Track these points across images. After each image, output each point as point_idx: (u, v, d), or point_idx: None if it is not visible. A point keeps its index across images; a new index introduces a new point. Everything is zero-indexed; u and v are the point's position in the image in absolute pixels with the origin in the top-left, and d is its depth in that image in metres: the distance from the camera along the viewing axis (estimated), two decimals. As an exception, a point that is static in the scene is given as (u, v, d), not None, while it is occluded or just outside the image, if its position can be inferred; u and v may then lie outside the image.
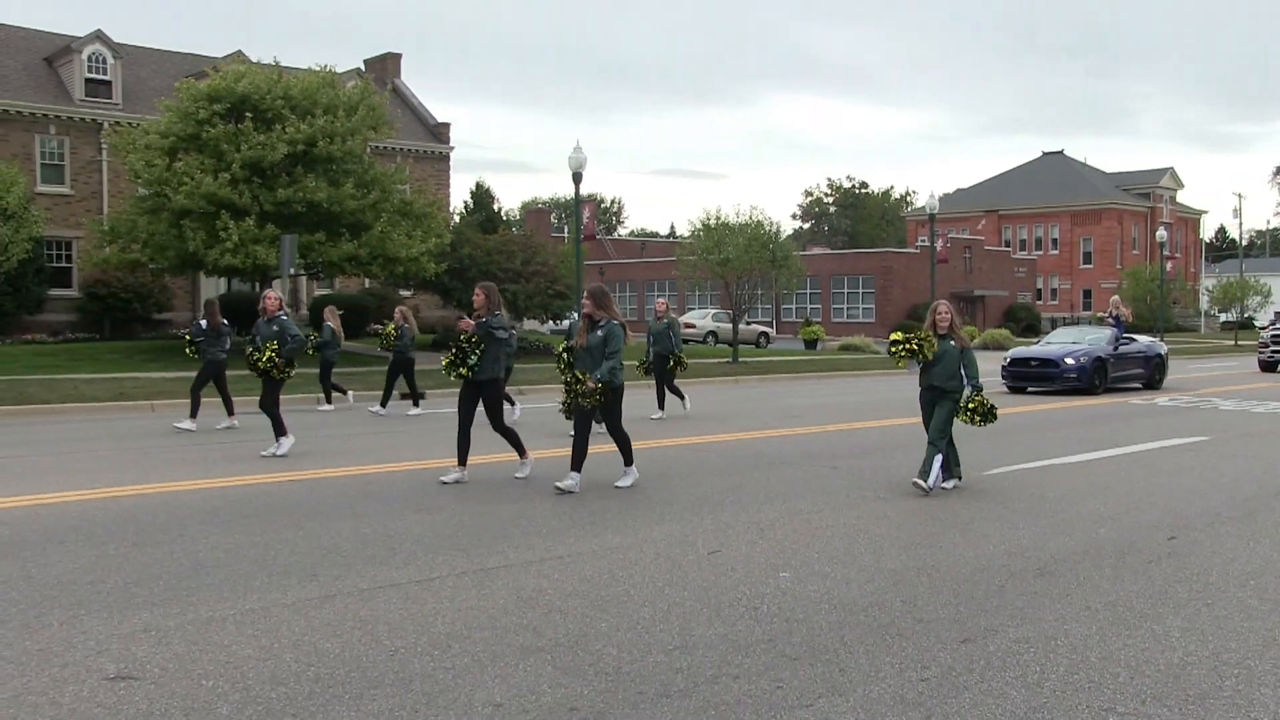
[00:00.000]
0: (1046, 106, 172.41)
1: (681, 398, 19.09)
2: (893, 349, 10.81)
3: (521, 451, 11.48)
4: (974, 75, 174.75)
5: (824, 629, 6.02)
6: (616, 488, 10.64)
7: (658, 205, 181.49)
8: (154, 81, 41.47)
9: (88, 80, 40.20)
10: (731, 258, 34.16)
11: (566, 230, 74.16)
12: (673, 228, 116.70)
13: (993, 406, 10.93)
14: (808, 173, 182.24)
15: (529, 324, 42.53)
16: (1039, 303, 78.21)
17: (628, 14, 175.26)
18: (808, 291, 61.59)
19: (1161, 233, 59.42)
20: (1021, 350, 26.65)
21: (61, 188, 39.32)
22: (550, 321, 43.79)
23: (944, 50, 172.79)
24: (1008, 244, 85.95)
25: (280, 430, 13.17)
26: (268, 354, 13.41)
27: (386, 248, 30.42)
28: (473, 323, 12.30)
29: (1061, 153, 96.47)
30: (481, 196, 51.85)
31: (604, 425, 11.15)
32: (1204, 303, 79.48)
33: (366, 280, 38.71)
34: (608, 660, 5.45)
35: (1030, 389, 24.71)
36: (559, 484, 10.38)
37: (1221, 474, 12.16)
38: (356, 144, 30.78)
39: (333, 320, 20.70)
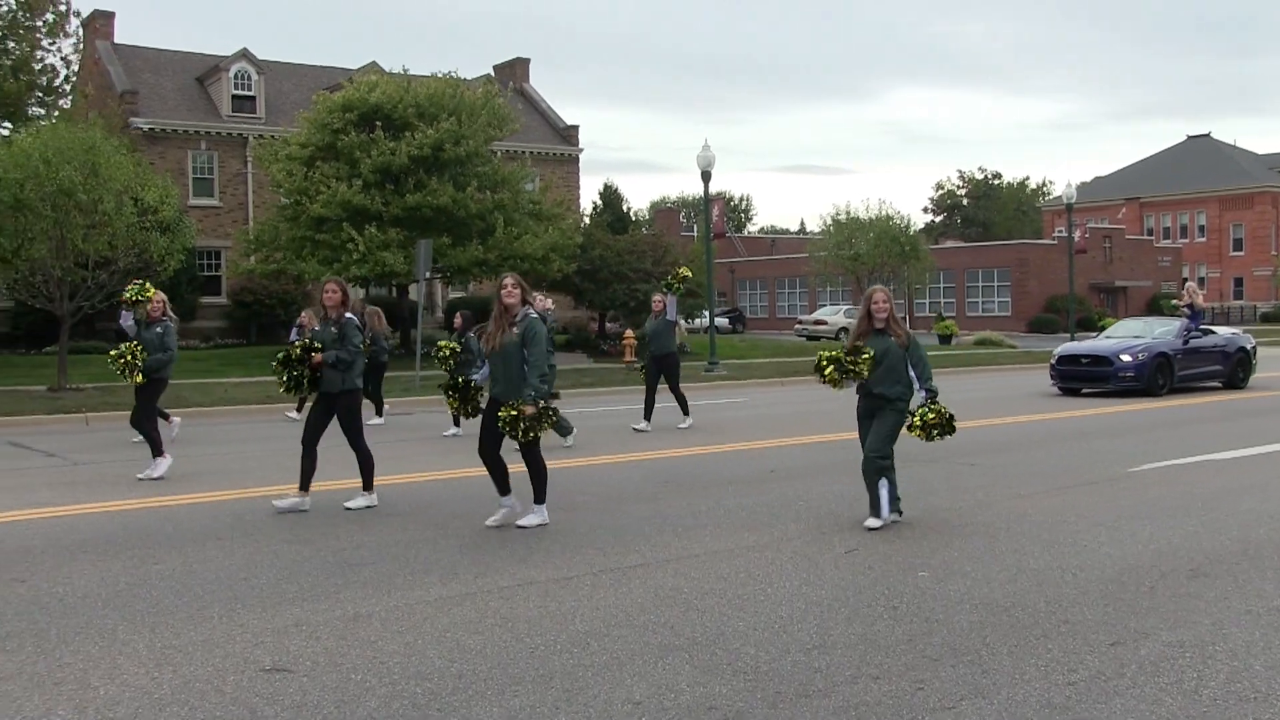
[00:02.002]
0: (1185, 89, 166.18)
1: (684, 408, 16.61)
2: (825, 371, 8.81)
3: (368, 483, 9.85)
4: (1105, 60, 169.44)
5: (965, 629, 5.92)
6: (519, 528, 8.70)
7: (786, 202, 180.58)
8: (294, 95, 42.85)
9: (234, 97, 41.85)
10: (862, 253, 33.81)
11: (695, 229, 74.26)
12: (802, 224, 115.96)
13: (951, 416, 8.93)
14: (937, 166, 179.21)
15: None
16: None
17: (752, 11, 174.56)
18: (940, 285, 60.51)
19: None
20: (1071, 346, 23.91)
21: (211, 200, 40.96)
22: (681, 320, 43.92)
23: (1072, 36, 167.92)
24: (1150, 232, 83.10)
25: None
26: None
27: (515, 249, 30.91)
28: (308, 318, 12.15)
29: (1208, 135, 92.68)
30: (610, 197, 52.15)
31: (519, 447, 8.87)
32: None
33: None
34: (746, 659, 5.46)
35: (1085, 390, 22.08)
36: (491, 521, 8.83)
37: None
38: (480, 145, 31.35)
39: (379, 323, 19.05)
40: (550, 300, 14.40)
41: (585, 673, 5.28)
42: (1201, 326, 23.61)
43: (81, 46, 34.19)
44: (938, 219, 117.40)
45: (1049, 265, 59.65)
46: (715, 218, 31.67)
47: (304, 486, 9.60)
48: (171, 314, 12.34)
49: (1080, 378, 22.07)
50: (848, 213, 35.18)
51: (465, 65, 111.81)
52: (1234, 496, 9.97)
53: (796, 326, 53.83)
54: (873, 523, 8.61)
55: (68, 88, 31.10)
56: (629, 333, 30.96)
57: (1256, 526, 8.59)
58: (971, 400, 20.98)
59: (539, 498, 8.89)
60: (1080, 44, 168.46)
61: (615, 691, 5.02)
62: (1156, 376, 21.22)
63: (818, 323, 51.73)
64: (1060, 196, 50.46)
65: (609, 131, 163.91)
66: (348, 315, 9.79)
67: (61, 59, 29.56)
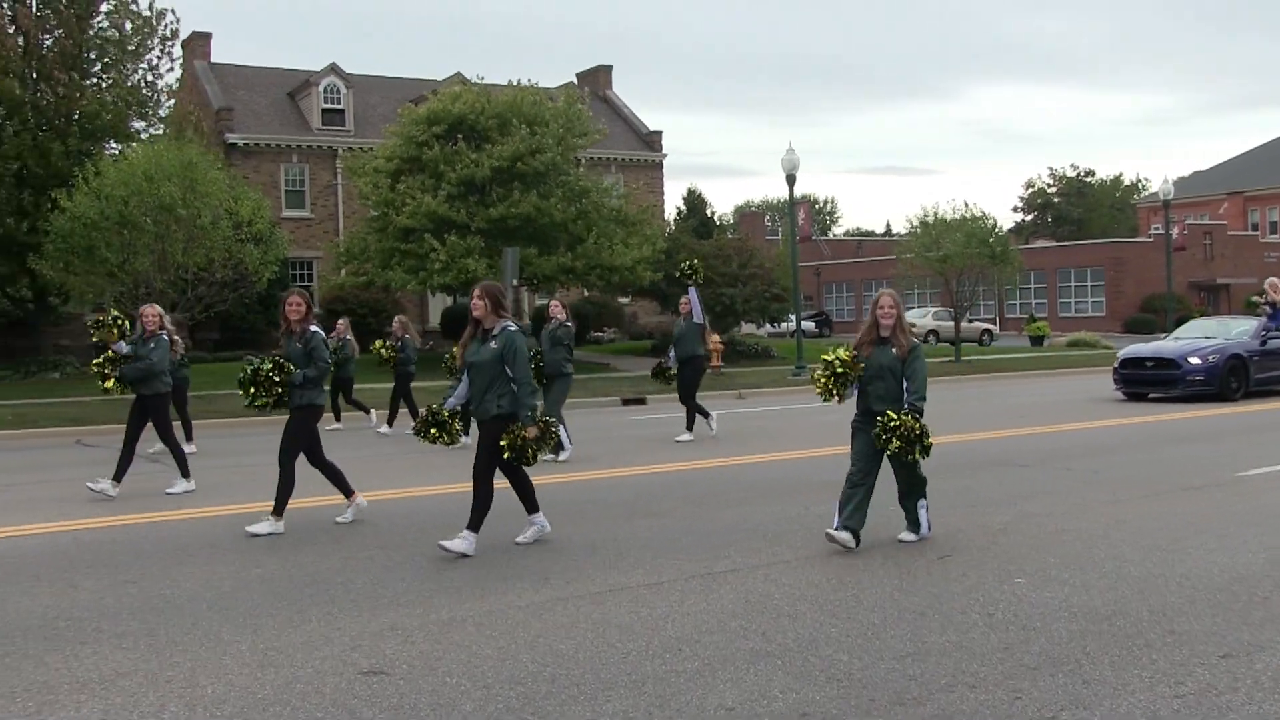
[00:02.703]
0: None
1: (706, 416, 15.61)
2: (822, 380, 8.21)
3: (347, 491, 9.62)
4: (1196, 52, 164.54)
5: (1063, 638, 5.81)
6: (517, 543, 8.38)
7: (872, 204, 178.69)
8: (382, 107, 43.54)
9: (324, 110, 42.72)
10: (950, 254, 33.37)
11: (780, 232, 73.96)
12: (888, 226, 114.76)
13: (924, 432, 7.87)
14: (1024, 164, 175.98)
15: (746, 327, 42.63)
16: (1293, 290, 72.96)
17: (834, 12, 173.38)
18: (1032, 286, 59.48)
19: None
20: (1136, 348, 22.31)
21: (303, 212, 41.82)
22: (768, 324, 43.79)
23: (1159, 28, 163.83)
24: (1255, 227, 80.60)
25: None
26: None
27: (602, 258, 31.09)
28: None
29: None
30: (694, 202, 52.23)
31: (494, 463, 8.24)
32: None
33: (584, 289, 39.60)
34: (839, 666, 5.42)
35: (1151, 395, 20.69)
36: (450, 545, 7.99)
37: None
38: (562, 155, 31.57)
39: (348, 333, 18.97)
40: (563, 310, 13.92)
41: (677, 678, 5.29)
42: None
43: (180, 66, 35.16)
44: (1028, 218, 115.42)
45: (1145, 264, 58.27)
46: (801, 220, 31.53)
47: (277, 511, 9.18)
48: (170, 327, 12.16)
49: (1145, 382, 20.80)
50: (935, 214, 34.68)
51: (549, 74, 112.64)
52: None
53: (884, 330, 53.28)
54: (909, 536, 8.29)
55: (166, 108, 31.97)
56: (716, 337, 30.95)
57: (1368, 532, 8.30)
58: (1072, 403, 20.59)
59: (531, 508, 8.48)
60: (1171, 35, 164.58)
61: (708, 697, 5.02)
62: (1229, 380, 19.95)
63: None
64: (1156, 193, 49.20)
65: (692, 136, 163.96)
66: (312, 329, 9.37)
67: (162, 82, 30.42)
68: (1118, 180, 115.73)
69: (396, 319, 19.38)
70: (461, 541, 7.97)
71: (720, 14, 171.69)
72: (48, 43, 28.77)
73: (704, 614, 6.39)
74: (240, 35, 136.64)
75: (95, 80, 29.47)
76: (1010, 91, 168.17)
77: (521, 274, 30.88)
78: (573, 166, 33.04)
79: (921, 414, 7.88)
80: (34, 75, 28.31)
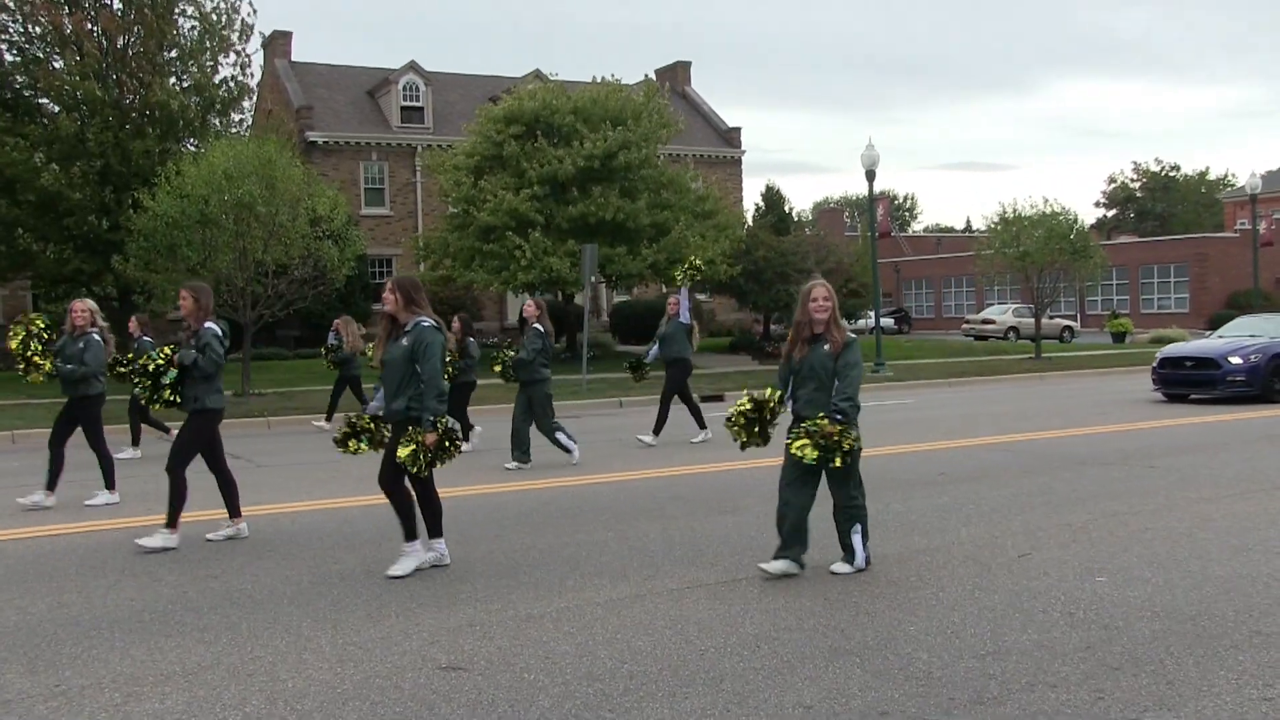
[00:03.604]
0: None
1: (659, 425, 14.94)
2: (733, 429, 7.59)
3: (234, 510, 8.85)
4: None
5: (1146, 638, 5.71)
6: (390, 577, 7.35)
7: (951, 200, 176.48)
8: (460, 105, 43.95)
9: (403, 108, 43.18)
10: (1030, 251, 32.86)
11: (859, 229, 73.36)
12: (968, 222, 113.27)
13: (841, 439, 6.92)
14: (1106, 159, 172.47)
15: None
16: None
17: (910, 6, 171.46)
18: (1114, 282, 58.31)
19: None
20: (1176, 347, 21.28)
21: (382, 209, 42.34)
22: (845, 321, 43.46)
23: (1246, 20, 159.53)
24: (1345, 222, 78.41)
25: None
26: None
27: (684, 252, 31.07)
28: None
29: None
30: (772, 198, 51.94)
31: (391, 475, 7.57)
32: None
33: (663, 285, 39.63)
34: (918, 664, 5.38)
35: (1193, 396, 19.73)
36: (394, 571, 7.40)
37: None
38: (649, 150, 31.53)
39: (346, 332, 18.24)
40: (537, 311, 13.17)
41: (755, 676, 5.28)
42: None
43: (262, 65, 35.78)
44: (1110, 213, 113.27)
45: (1231, 259, 56.88)
46: (880, 217, 31.21)
47: (234, 513, 8.81)
48: (101, 324, 10.87)
49: (1185, 382, 19.82)
50: (1014, 210, 34.16)
51: (626, 71, 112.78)
52: None
53: (964, 326, 52.73)
54: (842, 568, 7.25)
55: (248, 104, 32.53)
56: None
57: None
58: (1156, 399, 20.18)
59: (433, 531, 7.66)
60: (1256, 25, 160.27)
61: (786, 695, 5.01)
62: (1273, 380, 18.97)
63: (985, 322, 50.56)
64: (1243, 187, 48.03)
65: (770, 133, 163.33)
66: (207, 325, 8.56)
67: (236, 80, 30.92)
68: (1203, 175, 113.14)
69: (339, 318, 18.64)
70: (408, 560, 7.46)
71: (797, 9, 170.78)
72: (129, 42, 29.37)
73: (782, 611, 6.37)
74: (321, 34, 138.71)
75: (175, 79, 30.06)
76: (1091, 85, 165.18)
77: (604, 271, 30.94)
78: (655, 160, 32.96)
79: (848, 417, 6.97)
80: (114, 76, 28.93)
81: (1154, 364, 20.83)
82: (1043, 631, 5.86)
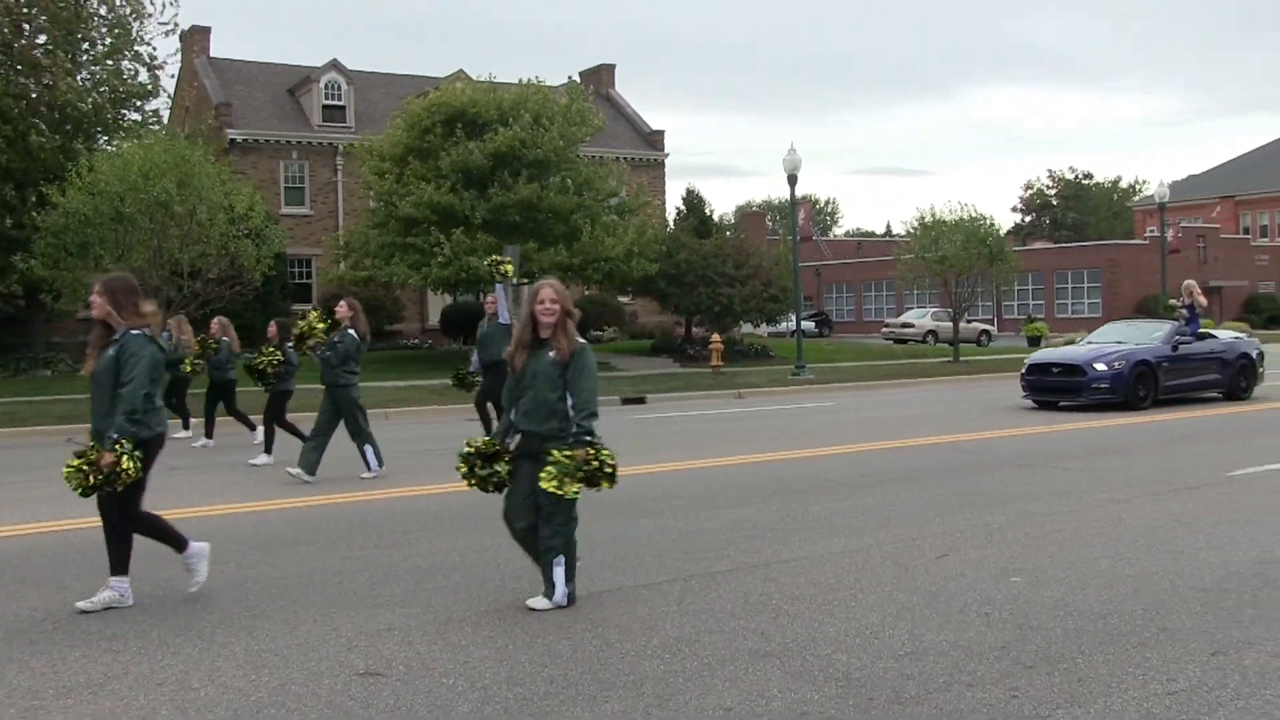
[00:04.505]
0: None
1: (488, 429, 13.73)
2: (460, 468, 6.83)
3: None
4: (1196, 57, 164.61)
5: (1059, 636, 5.82)
6: (79, 610, 6.59)
7: (872, 204, 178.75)
8: (383, 104, 43.49)
9: (324, 107, 42.66)
10: (948, 255, 33.40)
11: (781, 232, 73.94)
12: (888, 226, 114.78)
13: (599, 460, 6.35)
14: (1024, 166, 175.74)
15: (746, 327, 42.64)
16: (1283, 292, 73.40)
17: (833, 13, 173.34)
18: (1029, 287, 59.51)
19: None
20: (1043, 354, 21.16)
21: (302, 209, 41.76)
22: (765, 324, 43.78)
23: (1160, 33, 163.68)
24: (1247, 231, 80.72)
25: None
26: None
27: (599, 252, 31.03)
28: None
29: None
30: (694, 201, 52.13)
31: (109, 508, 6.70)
32: None
33: (585, 288, 39.59)
34: (837, 665, 5.42)
35: (1062, 404, 19.44)
36: (84, 605, 6.64)
37: None
38: (561, 144, 31.57)
39: (179, 331, 16.67)
40: (350, 309, 12.49)
41: (676, 678, 5.28)
42: (1199, 331, 20.99)
43: (179, 60, 35.05)
44: (1027, 219, 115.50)
45: (1141, 266, 58.31)
46: (801, 220, 31.52)
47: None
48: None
49: (1052, 389, 19.61)
50: (933, 214, 34.71)
51: (551, 73, 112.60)
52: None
53: (884, 330, 53.40)
54: (540, 603, 6.53)
55: (161, 101, 31.88)
56: (715, 337, 30.97)
57: (1366, 533, 8.31)
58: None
59: (116, 568, 6.74)
60: (1170, 39, 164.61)
61: (706, 698, 5.02)
62: (1136, 388, 18.74)
63: (905, 325, 51.26)
64: (1152, 195, 49.30)
65: (694, 136, 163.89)
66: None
67: (152, 74, 30.25)
68: (1115, 183, 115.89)
69: (215, 320, 16.85)
70: (107, 593, 6.69)
71: (721, 15, 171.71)
72: (31, 35, 28.55)
73: (703, 614, 6.38)
74: (241, 30, 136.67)
75: (87, 72, 29.32)
76: (1011, 93, 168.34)
77: (522, 270, 30.81)
78: (575, 157, 32.99)
79: (594, 434, 6.40)
80: (17, 66, 28.12)
81: (1023, 370, 20.52)
82: (959, 631, 5.94)
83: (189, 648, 5.87)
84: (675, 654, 5.64)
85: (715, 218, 58.18)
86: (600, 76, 52.24)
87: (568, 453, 6.29)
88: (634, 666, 5.46)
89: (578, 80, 41.77)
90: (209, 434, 16.03)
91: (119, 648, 5.90)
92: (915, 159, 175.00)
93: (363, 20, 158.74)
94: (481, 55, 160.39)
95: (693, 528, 8.97)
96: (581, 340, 6.58)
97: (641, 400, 22.48)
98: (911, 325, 50.71)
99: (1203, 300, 21.78)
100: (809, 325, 53.69)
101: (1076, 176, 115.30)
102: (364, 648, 5.83)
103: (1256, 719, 4.69)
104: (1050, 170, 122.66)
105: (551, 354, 6.47)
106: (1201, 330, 21.10)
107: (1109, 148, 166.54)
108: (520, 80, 34.01)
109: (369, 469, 12.16)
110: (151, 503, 7.13)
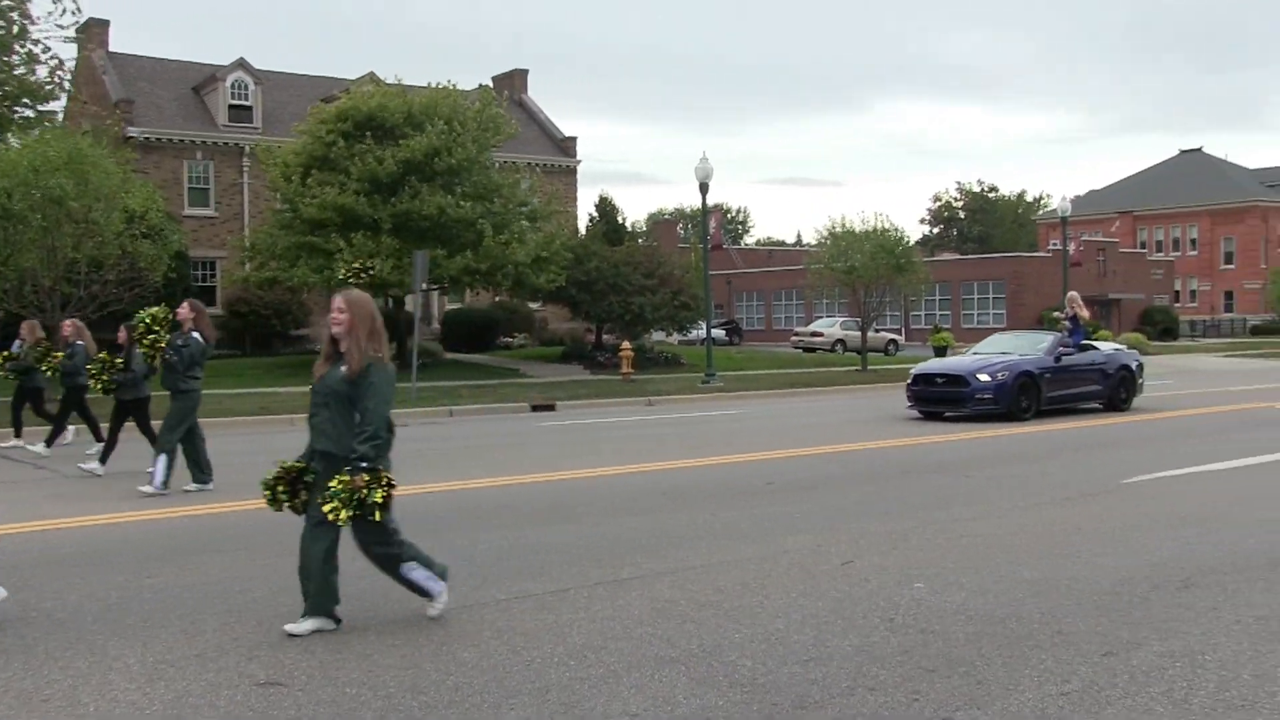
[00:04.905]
0: (1179, 104, 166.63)
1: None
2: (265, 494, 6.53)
3: None
4: (1100, 75, 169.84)
5: (960, 640, 5.92)
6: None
7: (783, 214, 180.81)
8: (292, 105, 42.88)
9: (231, 106, 41.91)
10: (857, 265, 33.86)
11: (692, 240, 74.34)
12: (799, 236, 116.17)
13: (370, 491, 5.96)
14: (933, 178, 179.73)
15: (657, 335, 42.78)
16: (1177, 305, 75.85)
17: (750, 24, 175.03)
18: (937, 298, 60.56)
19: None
20: (928, 364, 21.25)
21: (207, 210, 40.96)
22: (677, 332, 43.97)
23: (1067, 51, 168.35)
24: (1143, 245, 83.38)
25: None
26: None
27: (506, 257, 30.82)
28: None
29: (1200, 150, 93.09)
30: (606, 209, 52.29)
31: None
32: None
33: (495, 294, 39.34)
34: (742, 671, 5.45)
35: (947, 414, 19.40)
36: None
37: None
38: (473, 153, 31.32)
39: (31, 335, 16.15)
40: (192, 311, 11.83)
41: (582, 685, 5.27)
42: (1081, 342, 21.12)
43: (75, 55, 34.10)
44: (935, 230, 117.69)
45: (1044, 278, 59.73)
46: (713, 229, 31.71)
47: None
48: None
49: (937, 399, 19.56)
50: (843, 225, 35.17)
51: (464, 77, 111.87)
52: (1226, 508, 9.99)
53: (793, 338, 53.88)
54: (435, 610, 6.46)
55: (61, 94, 30.95)
56: (625, 344, 31.02)
57: (1247, 538, 8.59)
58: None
59: None
60: (1074, 58, 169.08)
61: (612, 704, 5.01)
62: (1019, 398, 18.80)
63: (814, 334, 51.77)
64: (1055, 209, 50.55)
65: (607, 143, 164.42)
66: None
67: (50, 68, 29.35)
68: (1021, 197, 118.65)
69: (68, 321, 16.14)
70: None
71: (636, 22, 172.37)
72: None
73: (610, 620, 6.38)
74: (142, 25, 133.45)
75: None
76: (922, 106, 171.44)
77: (430, 276, 30.55)
78: (487, 165, 32.73)
79: (371, 460, 6.01)
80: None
81: (908, 381, 20.40)
82: (863, 637, 6.01)
83: (78, 661, 5.70)
84: (581, 661, 5.63)
85: (627, 225, 58.44)
86: (513, 81, 52.12)
87: (343, 478, 5.98)
88: (540, 674, 5.43)
89: (490, 85, 41.53)
90: (18, 434, 15.84)
91: (1, 664, 5.69)
92: (826, 170, 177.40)
93: (271, 19, 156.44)
94: (393, 57, 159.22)
95: (602, 534, 8.96)
96: (378, 354, 6.18)
97: (551, 407, 22.44)
98: (820, 334, 51.23)
99: (1084, 312, 22.11)
100: (719, 333, 54.05)
101: (983, 190, 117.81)
102: (264, 657, 5.72)
103: (1142, 715, 4.83)
104: (958, 183, 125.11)
105: (343, 369, 6.15)
106: (1084, 342, 21.34)
107: (1015, 162, 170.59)
108: (431, 84, 33.69)
109: (152, 483, 11.25)
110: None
